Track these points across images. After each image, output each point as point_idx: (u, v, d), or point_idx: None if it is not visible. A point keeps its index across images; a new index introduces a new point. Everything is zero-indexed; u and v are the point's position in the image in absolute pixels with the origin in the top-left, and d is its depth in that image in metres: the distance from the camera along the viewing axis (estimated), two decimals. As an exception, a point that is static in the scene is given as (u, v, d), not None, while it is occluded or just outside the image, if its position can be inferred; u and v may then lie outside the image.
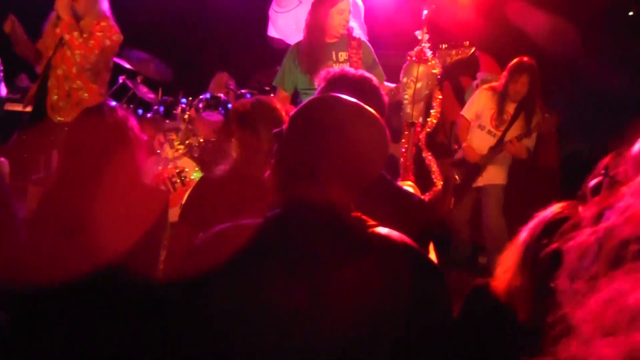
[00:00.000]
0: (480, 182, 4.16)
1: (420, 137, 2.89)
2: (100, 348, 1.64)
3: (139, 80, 5.49)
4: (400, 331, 1.04)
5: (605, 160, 1.62)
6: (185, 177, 4.39)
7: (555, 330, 1.03)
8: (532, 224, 1.60)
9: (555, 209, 1.57)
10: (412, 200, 1.71)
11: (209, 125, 4.70)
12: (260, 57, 5.68)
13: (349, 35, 3.32)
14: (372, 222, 1.12)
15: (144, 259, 1.82)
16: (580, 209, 1.53)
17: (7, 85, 5.76)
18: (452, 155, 4.62)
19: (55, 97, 3.64)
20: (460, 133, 4.28)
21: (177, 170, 4.37)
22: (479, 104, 4.18)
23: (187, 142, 4.71)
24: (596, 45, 4.98)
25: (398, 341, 1.04)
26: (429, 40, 2.90)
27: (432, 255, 1.87)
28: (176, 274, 1.16)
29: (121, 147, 1.83)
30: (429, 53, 2.94)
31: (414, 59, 2.92)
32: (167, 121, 4.91)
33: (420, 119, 2.87)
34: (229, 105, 4.71)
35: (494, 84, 4.22)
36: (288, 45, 5.03)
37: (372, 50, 3.41)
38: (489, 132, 4.15)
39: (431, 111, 2.96)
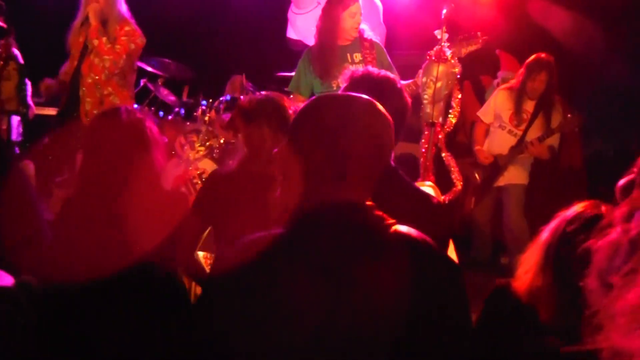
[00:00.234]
0: (502, 181, 4.11)
1: (440, 137, 2.88)
2: (127, 343, 1.66)
3: (160, 83, 5.56)
4: (420, 329, 1.04)
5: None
6: (205, 178, 4.43)
7: (590, 325, 1.03)
8: (553, 223, 1.59)
9: (577, 208, 1.55)
10: (431, 202, 1.70)
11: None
12: (280, 59, 5.70)
13: (360, 37, 3.33)
14: (391, 221, 1.13)
15: (170, 259, 1.84)
16: (603, 208, 1.52)
17: (33, 89, 5.88)
18: (472, 155, 4.59)
19: (89, 106, 3.73)
20: (476, 136, 4.24)
21: (198, 172, 4.42)
22: (497, 105, 4.13)
23: (207, 143, 4.75)
24: (619, 41, 4.90)
25: (417, 339, 1.05)
26: (448, 40, 2.89)
27: (453, 256, 1.87)
28: (208, 279, 1.18)
29: (138, 148, 1.86)
30: (448, 52, 2.93)
31: (433, 58, 2.90)
32: (188, 123, 4.96)
33: (440, 119, 2.86)
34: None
35: (512, 81, 4.17)
36: (307, 47, 5.07)
37: (385, 51, 3.41)
38: (510, 131, 4.09)
39: (451, 111, 2.94)
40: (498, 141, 4.13)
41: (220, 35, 6.54)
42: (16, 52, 4.25)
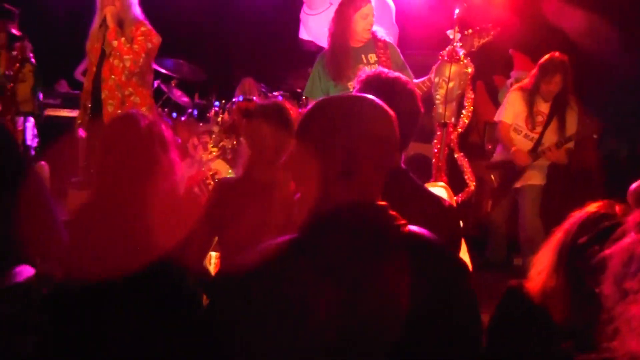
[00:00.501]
0: (518, 182, 4.04)
1: (453, 137, 2.86)
2: (141, 343, 1.68)
3: (173, 85, 5.60)
4: (431, 330, 1.05)
5: None
6: (218, 179, 4.45)
7: (606, 330, 1.03)
8: (567, 224, 1.58)
9: (590, 208, 1.54)
10: (441, 204, 1.69)
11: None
12: (292, 60, 5.72)
13: (374, 38, 3.31)
14: (403, 221, 1.13)
15: (184, 259, 1.86)
16: (617, 208, 1.50)
17: (48, 91, 5.96)
18: (485, 155, 4.55)
19: (111, 107, 3.80)
20: (505, 139, 4.06)
21: (211, 173, 4.44)
22: (514, 106, 4.03)
23: (220, 144, 4.77)
24: (634, 41, 4.85)
25: (429, 340, 1.05)
26: (460, 40, 2.87)
27: (465, 256, 1.86)
28: (220, 286, 1.18)
29: (156, 149, 1.87)
30: (461, 52, 2.91)
31: (445, 58, 2.89)
32: (201, 124, 5.00)
33: (453, 119, 2.84)
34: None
35: (525, 81, 4.08)
36: (319, 47, 5.07)
37: (399, 51, 3.39)
38: (526, 135, 4.01)
39: (463, 111, 2.93)
40: (516, 145, 4.02)
41: (233, 36, 6.58)
42: (30, 53, 4.33)
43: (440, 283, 1.07)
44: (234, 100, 4.89)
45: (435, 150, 2.97)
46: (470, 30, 3.06)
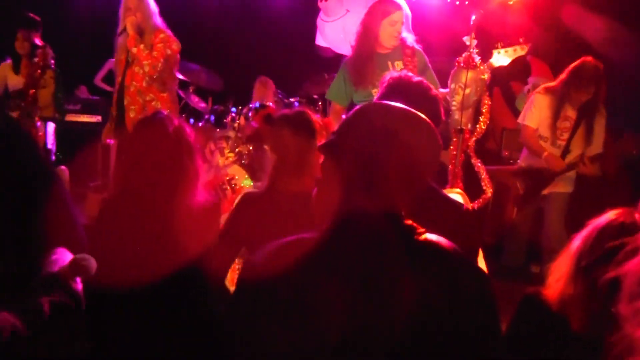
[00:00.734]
0: (545, 190, 3.87)
1: (469, 143, 2.84)
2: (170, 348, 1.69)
3: (190, 90, 5.66)
4: (450, 339, 1.04)
5: None
6: (235, 184, 4.47)
7: (618, 348, 1.02)
8: (585, 231, 1.57)
9: (609, 215, 1.53)
10: (460, 210, 1.69)
11: (258, 133, 4.78)
12: (309, 66, 5.74)
13: (402, 45, 3.24)
14: (421, 230, 1.13)
15: (205, 265, 1.87)
16: (637, 215, 1.49)
17: (68, 97, 6.05)
18: (502, 162, 4.51)
19: (133, 113, 3.94)
20: (533, 145, 3.86)
21: (227, 178, 4.47)
22: (541, 111, 3.82)
23: (236, 150, 4.80)
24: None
25: (447, 349, 1.04)
26: (477, 46, 2.86)
27: (482, 263, 1.85)
28: (238, 285, 1.17)
29: (183, 153, 1.89)
30: (477, 59, 2.90)
31: (462, 64, 2.88)
32: (218, 130, 5.04)
33: (469, 126, 2.82)
34: (278, 114, 4.79)
35: (550, 84, 3.88)
36: (336, 54, 5.09)
37: (426, 58, 3.33)
38: (553, 143, 3.82)
39: (480, 117, 2.91)
40: None
41: (249, 42, 6.62)
42: (51, 60, 4.41)
43: (460, 292, 1.06)
44: (250, 105, 4.92)
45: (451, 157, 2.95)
46: (500, 44, 3.02)
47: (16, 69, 4.59)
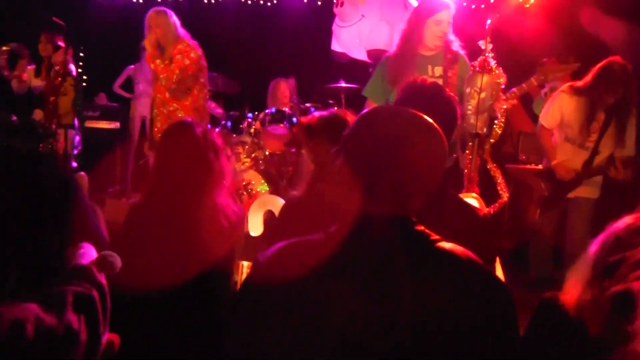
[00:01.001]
0: (571, 193, 3.72)
1: (485, 147, 2.82)
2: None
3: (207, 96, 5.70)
4: (465, 347, 1.03)
5: None
6: (251, 189, 4.50)
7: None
8: (602, 236, 1.55)
9: (627, 219, 1.51)
10: (477, 216, 1.68)
11: (274, 138, 4.81)
12: (324, 71, 5.76)
13: (446, 48, 3.13)
14: (435, 237, 1.11)
15: (229, 267, 1.89)
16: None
17: (88, 103, 6.15)
18: (520, 163, 4.43)
19: (159, 124, 4.15)
20: (546, 147, 3.77)
21: (244, 183, 4.50)
22: (563, 112, 3.66)
23: (253, 155, 4.84)
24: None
25: (462, 357, 1.03)
26: (492, 50, 2.85)
27: (499, 271, 1.84)
28: (242, 284, 1.18)
29: (210, 157, 1.92)
30: (492, 63, 2.88)
31: (477, 69, 2.87)
32: (234, 135, 5.07)
33: (485, 130, 2.80)
34: (294, 119, 4.81)
35: (577, 83, 3.71)
36: (351, 59, 5.11)
37: (470, 65, 3.19)
38: (581, 145, 3.67)
39: (496, 121, 2.89)
40: (567, 156, 3.72)
41: (265, 48, 6.66)
42: (72, 67, 4.50)
43: (473, 301, 1.05)
44: (266, 111, 4.95)
45: (467, 161, 2.93)
46: (545, 60, 2.97)
47: (38, 72, 4.72)
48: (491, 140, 2.87)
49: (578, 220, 3.70)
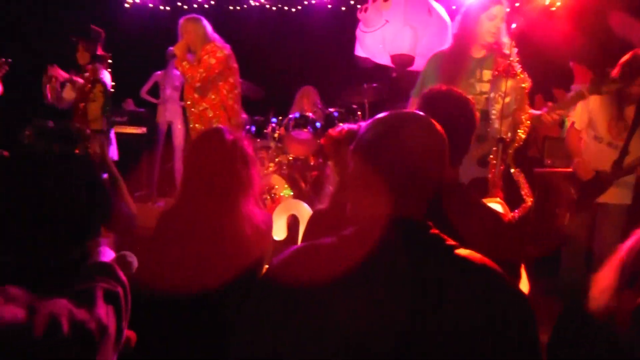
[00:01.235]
0: (601, 198, 3.53)
1: (509, 152, 2.78)
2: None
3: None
4: (480, 355, 1.01)
5: None
6: (274, 194, 4.53)
7: None
8: (630, 241, 1.54)
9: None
10: (500, 220, 1.67)
11: (297, 143, 4.84)
12: (348, 76, 5.78)
13: (498, 51, 3.02)
14: (451, 242, 1.10)
15: (257, 274, 1.90)
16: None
17: (115, 109, 6.27)
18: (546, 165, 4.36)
19: (192, 124, 4.27)
20: (571, 147, 3.65)
21: (267, 187, 4.53)
22: (590, 110, 3.54)
23: (276, 160, 4.87)
24: None
25: None
26: (517, 54, 2.82)
27: (524, 277, 1.82)
28: (253, 288, 1.18)
29: (235, 163, 1.94)
30: (517, 67, 2.85)
31: (502, 73, 2.84)
32: (258, 140, 5.12)
33: (509, 134, 2.78)
34: (317, 124, 4.84)
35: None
36: (375, 64, 5.12)
37: (520, 69, 3.03)
38: (609, 144, 3.51)
39: (520, 126, 2.85)
40: (595, 156, 3.56)
41: (290, 53, 6.71)
42: (106, 74, 4.60)
43: (490, 310, 1.03)
44: (290, 116, 4.98)
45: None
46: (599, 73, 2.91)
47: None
48: (515, 145, 2.83)
49: (607, 228, 3.51)
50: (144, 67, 6.56)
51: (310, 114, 4.97)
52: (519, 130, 2.82)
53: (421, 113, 1.19)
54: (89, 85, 4.33)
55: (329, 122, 4.94)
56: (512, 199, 2.67)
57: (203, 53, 4.07)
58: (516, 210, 2.64)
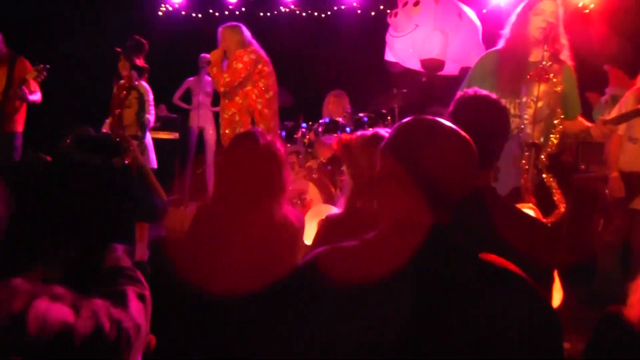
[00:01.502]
0: (636, 203, 3.43)
1: (541, 158, 2.74)
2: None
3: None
4: None
5: None
6: (304, 198, 4.56)
7: None
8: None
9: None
10: (536, 225, 1.65)
11: (327, 148, 4.86)
12: (378, 81, 5.79)
13: (553, 56, 2.85)
14: (475, 248, 1.10)
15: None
16: None
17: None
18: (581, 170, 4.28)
19: (222, 129, 4.30)
20: (612, 157, 3.54)
21: (297, 192, 4.56)
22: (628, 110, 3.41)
23: (306, 164, 4.91)
24: None
25: None
26: (549, 58, 2.78)
27: (557, 284, 1.80)
28: (274, 288, 1.20)
29: (268, 166, 1.97)
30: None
31: (534, 77, 2.80)
32: (289, 145, 5.16)
33: (542, 139, 2.74)
34: (347, 129, 4.86)
35: None
36: (405, 69, 5.11)
37: (575, 77, 2.99)
38: None
39: (553, 131, 2.81)
40: (631, 156, 3.49)
41: (320, 58, 6.75)
42: (146, 85, 4.71)
43: (515, 319, 1.02)
44: (320, 121, 5.02)
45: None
46: None
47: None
48: (548, 150, 2.79)
49: None
50: (177, 73, 6.68)
51: (340, 119, 4.99)
52: (551, 135, 2.78)
53: (450, 124, 1.17)
54: (124, 92, 4.43)
55: (359, 127, 4.95)
56: (545, 205, 2.63)
57: (233, 58, 4.12)
58: (549, 216, 2.61)
